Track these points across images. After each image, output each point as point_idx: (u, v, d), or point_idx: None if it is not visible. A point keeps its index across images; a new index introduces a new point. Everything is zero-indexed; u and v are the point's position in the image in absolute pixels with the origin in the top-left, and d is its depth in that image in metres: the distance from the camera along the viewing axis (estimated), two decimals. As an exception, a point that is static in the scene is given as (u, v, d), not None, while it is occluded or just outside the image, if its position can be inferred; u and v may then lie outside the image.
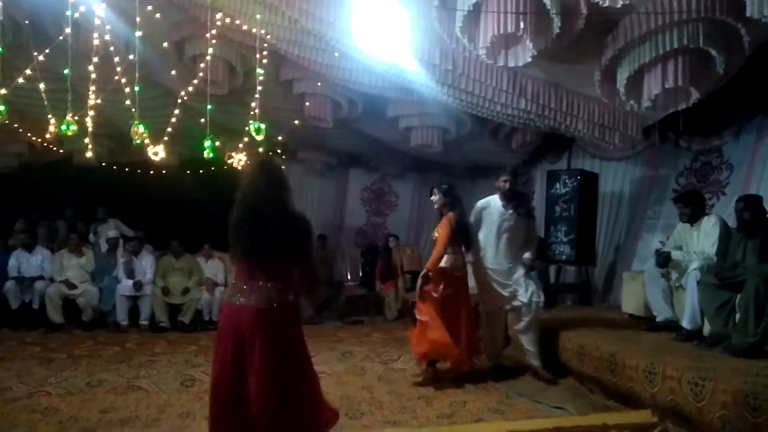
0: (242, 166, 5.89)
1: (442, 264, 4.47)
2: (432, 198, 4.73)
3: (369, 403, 4.03)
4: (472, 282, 4.80)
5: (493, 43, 4.40)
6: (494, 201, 4.74)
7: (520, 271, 4.58)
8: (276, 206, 2.44)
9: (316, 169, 9.69)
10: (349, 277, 8.47)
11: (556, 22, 4.12)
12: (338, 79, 6.08)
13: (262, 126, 4.19)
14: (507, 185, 4.66)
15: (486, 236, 4.68)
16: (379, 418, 3.71)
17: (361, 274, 8.53)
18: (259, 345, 2.34)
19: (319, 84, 6.17)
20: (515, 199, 4.70)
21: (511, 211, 4.61)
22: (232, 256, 2.53)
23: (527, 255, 4.62)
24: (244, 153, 5.83)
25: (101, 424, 3.55)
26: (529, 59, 4.48)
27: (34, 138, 7.46)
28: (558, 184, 6.88)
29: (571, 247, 6.65)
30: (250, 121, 5.02)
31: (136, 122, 4.18)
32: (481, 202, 4.82)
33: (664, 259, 4.53)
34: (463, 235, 4.57)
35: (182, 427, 3.54)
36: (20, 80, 4.20)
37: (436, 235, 4.59)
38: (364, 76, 5.97)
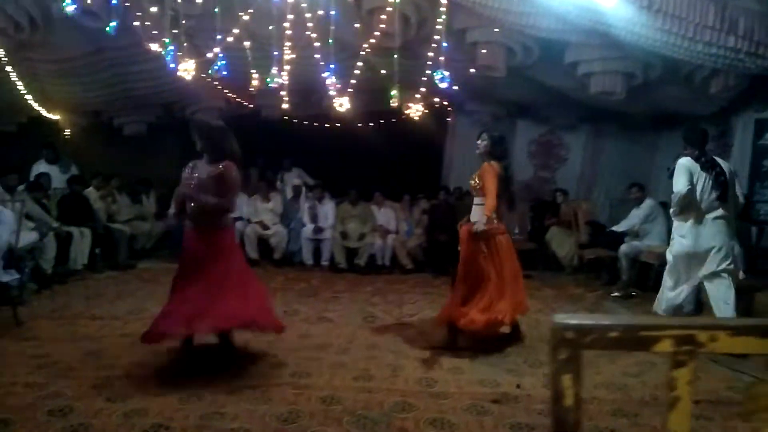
0: (418, 116, 6.02)
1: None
2: (478, 142, 4.30)
3: (547, 354, 4.01)
4: None
5: (703, -28, 3.91)
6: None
7: None
8: None
9: (483, 121, 9.52)
10: (516, 230, 8.34)
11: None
12: (515, 24, 5.84)
13: (446, 73, 4.21)
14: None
15: None
16: (558, 369, 3.69)
17: (529, 228, 8.35)
18: None
19: (496, 30, 5.97)
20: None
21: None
22: None
23: None
24: (421, 104, 5.94)
25: (302, 347, 4.02)
26: (748, -12, 3.91)
27: (229, 94, 8.34)
28: None
29: (779, 207, 5.84)
30: (428, 71, 5.07)
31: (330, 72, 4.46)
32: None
33: None
34: (508, 191, 4.19)
35: (370, 357, 3.86)
36: (229, 39, 4.67)
37: (474, 183, 4.17)
38: (544, 20, 5.66)
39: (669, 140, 9.03)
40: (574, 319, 0.70)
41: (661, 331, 0.63)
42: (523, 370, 3.69)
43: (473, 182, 4.21)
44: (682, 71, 6.68)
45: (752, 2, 4.67)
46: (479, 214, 4.09)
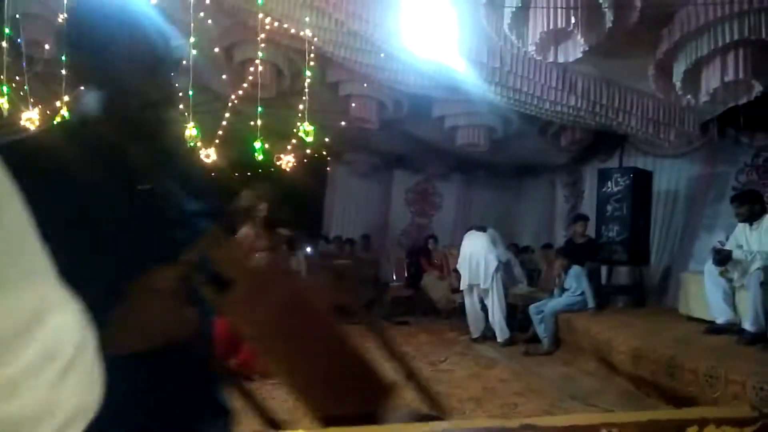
0: (290, 167, 5.99)
1: None
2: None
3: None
4: None
5: (542, 40, 4.31)
6: None
7: None
8: None
9: (361, 171, 9.74)
10: (394, 277, 8.48)
11: (609, 16, 4.00)
12: (384, 80, 6.08)
13: (311, 128, 4.24)
14: None
15: None
16: (428, 419, 3.70)
17: (406, 274, 8.52)
18: None
19: (365, 85, 6.19)
20: None
21: None
22: None
23: None
24: (292, 155, 5.92)
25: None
26: (580, 55, 4.37)
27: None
28: (610, 183, 6.68)
29: (624, 248, 6.44)
30: (298, 124, 5.09)
31: (192, 125, 4.31)
32: None
33: (723, 257, 4.32)
34: None
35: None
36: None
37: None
38: (410, 77, 5.95)
39: (531, 187, 9.81)
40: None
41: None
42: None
43: None
44: (535, 126, 7.33)
45: (589, 67, 5.24)
46: None
